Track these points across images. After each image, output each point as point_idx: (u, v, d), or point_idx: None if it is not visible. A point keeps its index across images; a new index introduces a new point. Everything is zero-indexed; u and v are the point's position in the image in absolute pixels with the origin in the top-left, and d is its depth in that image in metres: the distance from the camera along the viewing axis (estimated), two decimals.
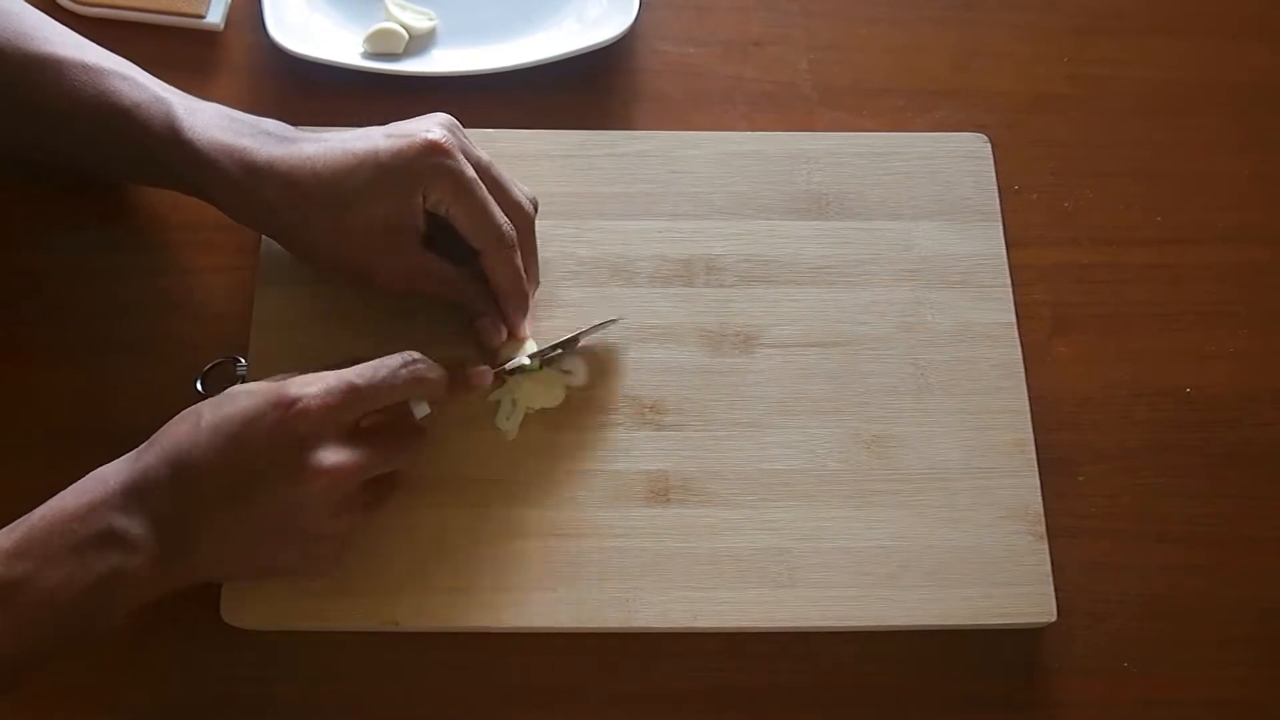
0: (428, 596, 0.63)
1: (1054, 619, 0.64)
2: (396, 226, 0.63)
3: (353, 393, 0.58)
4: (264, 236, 0.70)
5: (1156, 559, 0.68)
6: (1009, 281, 0.72)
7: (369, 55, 0.78)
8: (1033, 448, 0.68)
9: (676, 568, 0.64)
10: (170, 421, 0.58)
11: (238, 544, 0.58)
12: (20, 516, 0.65)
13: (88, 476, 0.57)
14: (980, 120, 0.78)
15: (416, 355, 0.60)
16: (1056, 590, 0.64)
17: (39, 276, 0.72)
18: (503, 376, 0.66)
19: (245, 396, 0.57)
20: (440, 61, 0.78)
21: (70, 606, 0.54)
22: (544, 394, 0.66)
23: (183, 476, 0.56)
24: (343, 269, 0.65)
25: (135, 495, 0.56)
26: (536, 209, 0.68)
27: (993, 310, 0.71)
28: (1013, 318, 0.71)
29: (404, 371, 0.59)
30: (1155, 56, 0.82)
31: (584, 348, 0.69)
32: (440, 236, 0.65)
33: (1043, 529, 0.66)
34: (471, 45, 0.79)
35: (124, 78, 0.64)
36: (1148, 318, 0.74)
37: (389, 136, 0.63)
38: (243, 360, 0.68)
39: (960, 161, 0.76)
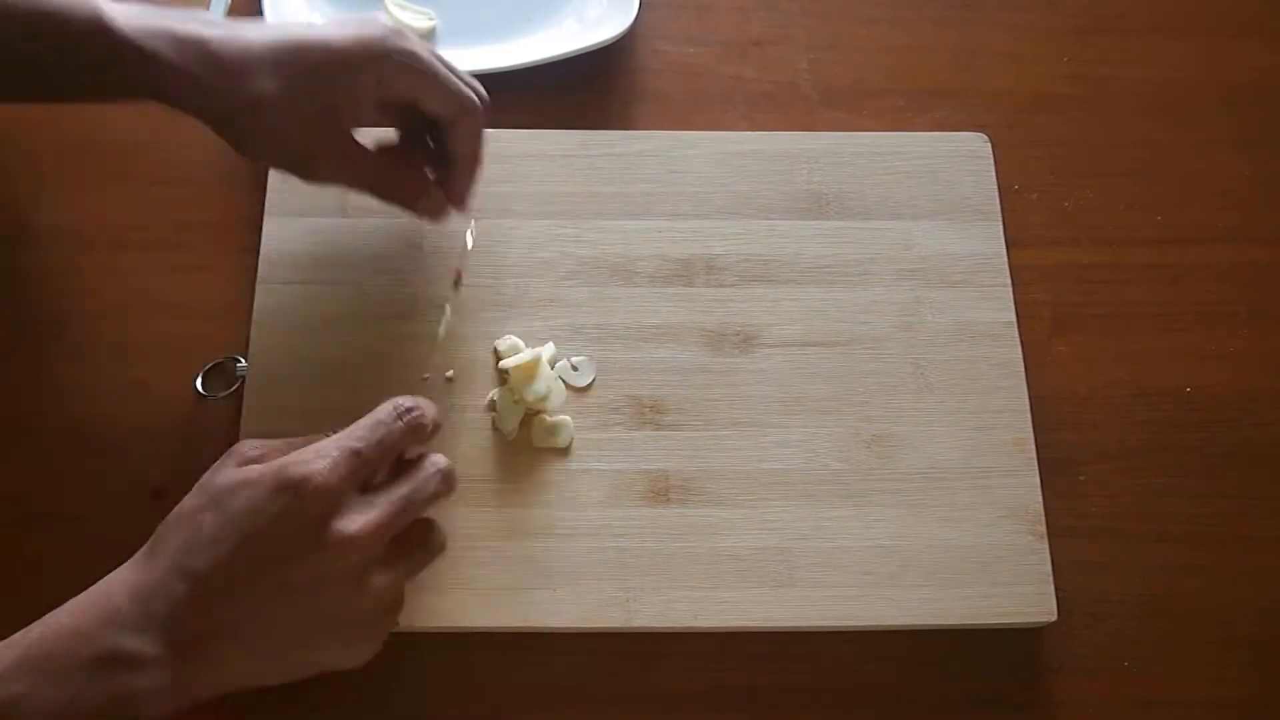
0: (428, 596, 0.63)
1: (1054, 619, 0.64)
2: (334, 115, 0.62)
3: (357, 459, 0.55)
4: (264, 236, 0.70)
5: (1156, 559, 0.68)
6: (1009, 281, 0.72)
7: None
8: (1033, 447, 0.68)
9: (676, 568, 0.64)
10: (162, 528, 0.55)
11: (270, 649, 0.54)
12: (20, 516, 0.65)
13: (88, 592, 0.53)
14: (980, 120, 0.78)
15: (408, 401, 0.58)
16: (1056, 590, 0.64)
17: (38, 275, 0.72)
18: (503, 375, 0.66)
19: (244, 489, 0.53)
20: None
21: None
22: (545, 396, 0.66)
23: (200, 589, 0.52)
24: (265, 153, 0.64)
25: (143, 611, 0.52)
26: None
27: (993, 310, 0.71)
28: (1013, 317, 0.71)
29: (399, 424, 0.57)
30: (1155, 56, 0.82)
31: (587, 353, 0.69)
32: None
33: (1043, 529, 0.66)
34: (471, 45, 0.79)
35: None
36: (1148, 318, 0.74)
37: (341, 27, 0.61)
38: (243, 360, 0.68)
39: (960, 161, 0.76)
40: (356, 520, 0.54)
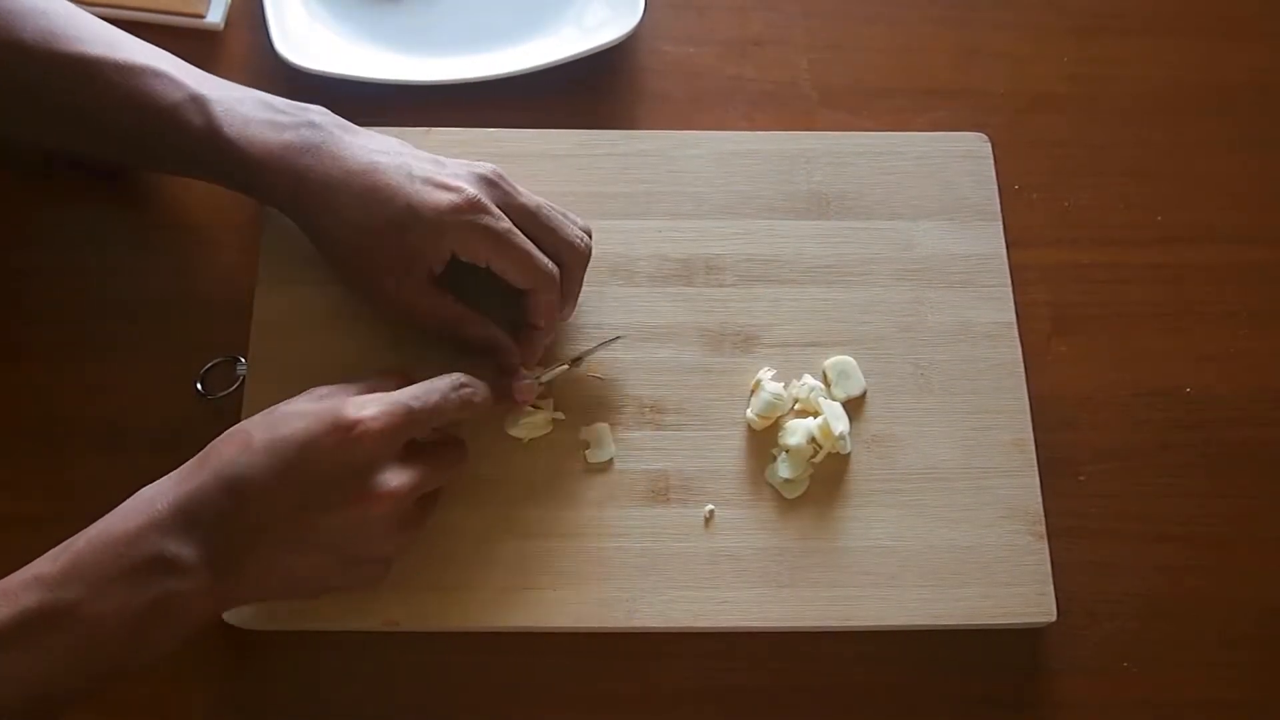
0: (428, 596, 0.63)
1: (1054, 619, 0.64)
2: (408, 265, 0.63)
3: (409, 416, 0.57)
4: (264, 236, 0.70)
5: (1156, 559, 0.68)
6: (1009, 281, 0.72)
7: None
8: (1033, 448, 0.68)
9: (676, 568, 0.64)
10: (215, 442, 0.57)
11: (290, 567, 0.57)
12: (20, 517, 0.65)
13: (133, 498, 0.56)
14: (980, 120, 0.78)
15: (465, 378, 0.61)
16: (1056, 590, 0.64)
17: (39, 276, 0.72)
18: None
19: (299, 418, 0.56)
20: (443, 69, 0.78)
21: (122, 632, 0.53)
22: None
23: (239, 500, 0.54)
24: (354, 284, 0.66)
25: (186, 518, 0.54)
26: (591, 236, 0.67)
27: (993, 310, 0.71)
28: (1013, 318, 0.71)
29: (455, 395, 0.59)
30: (1155, 56, 0.82)
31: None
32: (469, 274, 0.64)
33: (1043, 529, 0.66)
34: (474, 51, 0.79)
35: (158, 75, 0.63)
36: (1148, 318, 0.74)
37: (426, 181, 0.62)
38: (243, 360, 0.68)
39: (960, 161, 0.76)
40: (394, 478, 0.57)
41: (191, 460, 0.57)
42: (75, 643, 0.52)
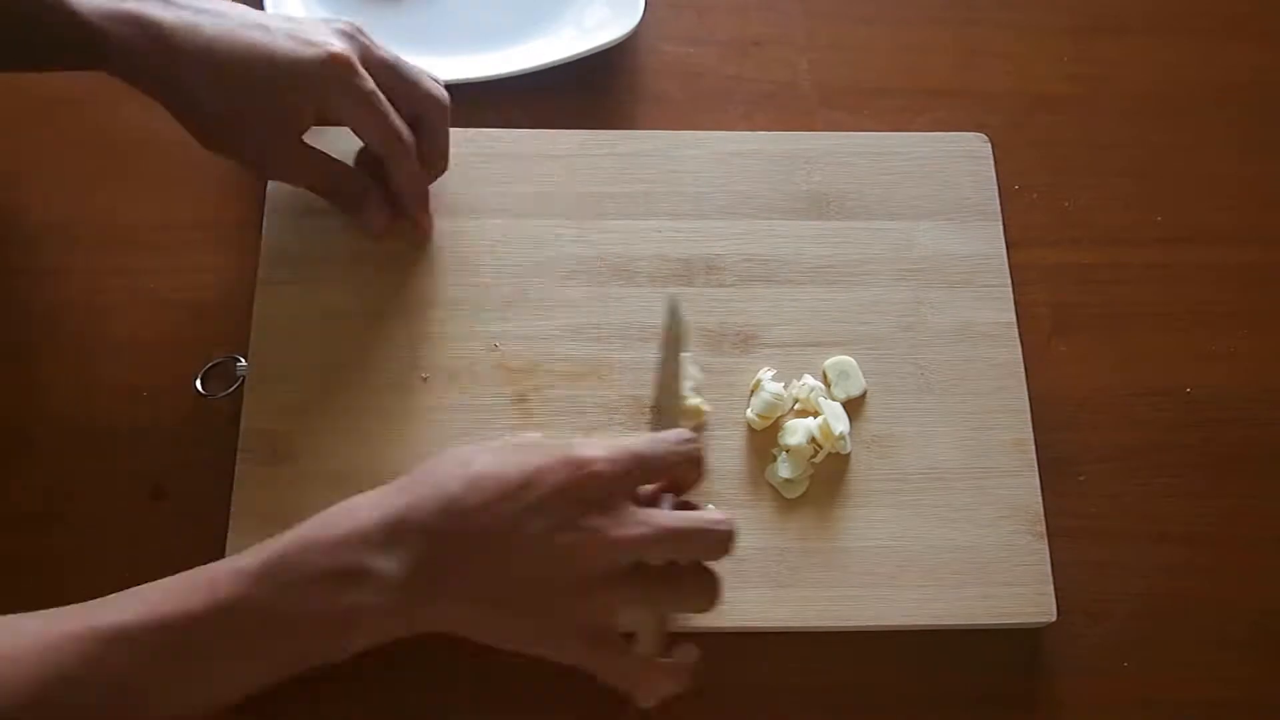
0: None
1: (1054, 619, 0.64)
2: (280, 123, 0.64)
3: (638, 462, 0.55)
4: (264, 236, 0.70)
5: (1156, 559, 0.68)
6: (1009, 281, 0.72)
7: None
8: (1033, 447, 0.68)
9: None
10: (430, 463, 0.55)
11: (484, 599, 0.54)
12: (19, 517, 0.65)
13: (337, 508, 0.54)
14: (980, 120, 0.78)
15: (690, 435, 0.58)
16: (1056, 590, 0.64)
17: (38, 275, 0.72)
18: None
19: (532, 451, 0.54)
20: (443, 69, 0.77)
21: (307, 636, 0.52)
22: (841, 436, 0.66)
23: (453, 517, 0.53)
24: (222, 148, 0.66)
25: (393, 533, 0.52)
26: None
27: (993, 310, 0.71)
28: (1013, 318, 0.71)
29: (682, 448, 0.56)
30: (1155, 56, 0.82)
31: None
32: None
33: (1043, 529, 0.66)
34: (474, 51, 0.79)
35: None
36: (1148, 318, 0.74)
37: (290, 38, 0.62)
38: (243, 360, 0.68)
39: (960, 161, 0.76)
40: (621, 525, 0.54)
41: (403, 477, 0.55)
42: (262, 637, 0.51)
